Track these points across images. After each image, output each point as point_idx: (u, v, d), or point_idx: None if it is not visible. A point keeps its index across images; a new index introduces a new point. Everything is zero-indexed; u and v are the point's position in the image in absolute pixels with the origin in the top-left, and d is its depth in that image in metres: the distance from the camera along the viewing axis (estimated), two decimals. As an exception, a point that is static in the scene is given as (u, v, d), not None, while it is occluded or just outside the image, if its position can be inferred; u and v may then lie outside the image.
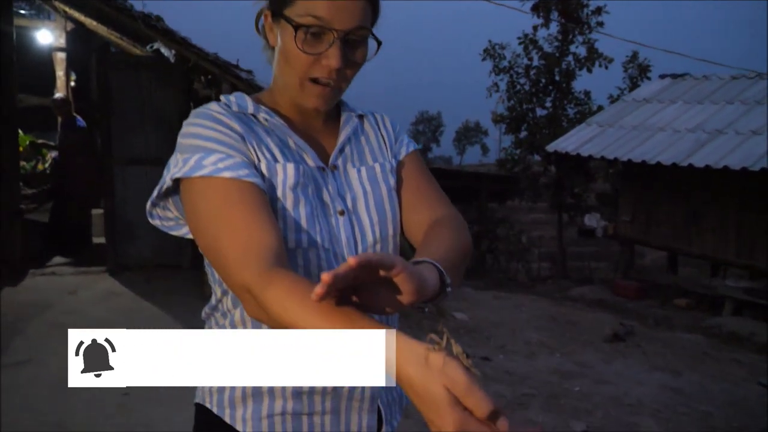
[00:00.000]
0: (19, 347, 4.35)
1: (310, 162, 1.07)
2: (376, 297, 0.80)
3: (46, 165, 7.54)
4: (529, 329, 6.10)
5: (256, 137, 1.04)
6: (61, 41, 8.00)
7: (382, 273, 0.76)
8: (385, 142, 1.20)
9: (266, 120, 1.07)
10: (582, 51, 11.99)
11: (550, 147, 10.11)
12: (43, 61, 8.18)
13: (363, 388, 1.06)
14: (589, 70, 12.12)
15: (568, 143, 9.86)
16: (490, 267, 12.06)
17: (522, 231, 12.41)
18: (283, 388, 1.04)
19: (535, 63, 12.35)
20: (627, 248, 9.94)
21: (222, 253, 0.91)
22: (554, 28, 11.92)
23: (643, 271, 10.67)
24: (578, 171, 11.88)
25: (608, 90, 13.23)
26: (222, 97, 1.10)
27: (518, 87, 12.58)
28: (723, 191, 8.22)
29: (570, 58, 12.03)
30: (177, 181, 1.01)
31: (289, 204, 1.01)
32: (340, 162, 1.12)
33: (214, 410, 1.08)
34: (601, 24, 11.57)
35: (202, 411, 1.11)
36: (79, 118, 6.71)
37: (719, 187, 8.21)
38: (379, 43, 1.05)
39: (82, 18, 7.08)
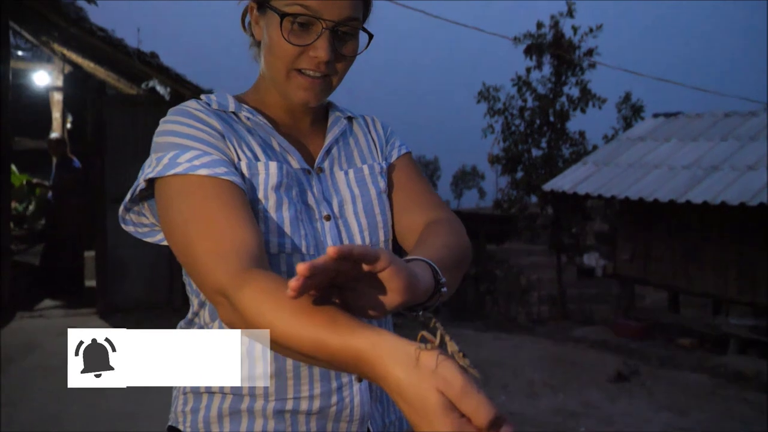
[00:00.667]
0: (2, 388, 4.20)
1: (295, 164, 1.01)
2: (359, 298, 0.72)
3: (36, 206, 7.47)
4: (531, 369, 5.94)
5: (237, 135, 0.97)
6: (59, 83, 8.05)
7: (366, 268, 0.68)
8: (375, 144, 1.14)
9: (248, 119, 1.01)
10: (575, 92, 12.15)
11: (546, 186, 10.10)
12: (40, 104, 8.22)
13: (352, 408, 0.97)
14: (583, 111, 12.25)
15: (564, 182, 9.86)
16: (489, 309, 11.90)
17: (521, 272, 12.31)
18: (264, 407, 0.95)
19: (530, 104, 12.49)
20: (627, 287, 9.83)
21: (196, 255, 0.84)
22: (547, 70, 12.11)
23: (645, 310, 10.53)
24: (575, 211, 11.86)
25: (603, 130, 13.38)
26: (202, 96, 1.04)
27: (513, 128, 12.69)
28: (722, 227, 8.17)
29: (564, 99, 12.18)
30: (152, 184, 0.94)
31: (271, 205, 0.94)
32: (326, 165, 1.05)
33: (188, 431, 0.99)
34: (593, 65, 11.77)
35: None
36: (74, 158, 6.69)
37: (718, 224, 8.16)
38: (371, 37, 1.00)
39: (79, 60, 7.14)
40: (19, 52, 7.64)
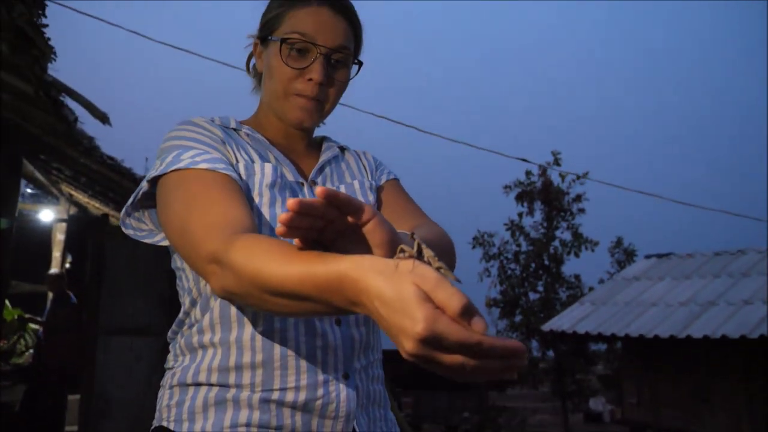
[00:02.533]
0: None
1: (289, 176, 1.08)
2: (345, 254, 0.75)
3: (25, 343, 7.36)
4: None
5: (236, 143, 1.07)
6: (62, 223, 8.29)
7: (350, 219, 0.74)
8: (365, 169, 1.23)
9: (248, 135, 1.11)
10: (568, 236, 12.49)
11: (546, 326, 10.06)
12: (41, 245, 8.39)
13: (338, 404, 0.98)
14: (577, 255, 12.50)
15: (562, 322, 9.82)
16: (494, 462, 11.21)
17: (525, 419, 11.79)
18: (250, 397, 0.96)
19: (524, 248, 12.77)
20: (638, 433, 9.40)
21: (190, 231, 0.87)
22: (539, 215, 12.55)
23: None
24: (577, 355, 11.66)
25: (598, 274, 13.58)
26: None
27: (509, 272, 12.85)
28: (727, 365, 8.04)
29: (557, 243, 12.48)
30: (154, 194, 1.00)
31: (265, 202, 1.00)
32: (319, 179, 1.13)
33: (171, 426, 0.99)
34: (582, 211, 12.22)
35: None
36: (71, 294, 6.70)
37: (723, 361, 8.04)
38: (360, 65, 1.13)
39: (85, 199, 7.45)
40: (28, 189, 7.98)
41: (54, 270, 7.03)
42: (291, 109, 1.08)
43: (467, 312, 0.60)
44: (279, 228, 0.68)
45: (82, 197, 7.47)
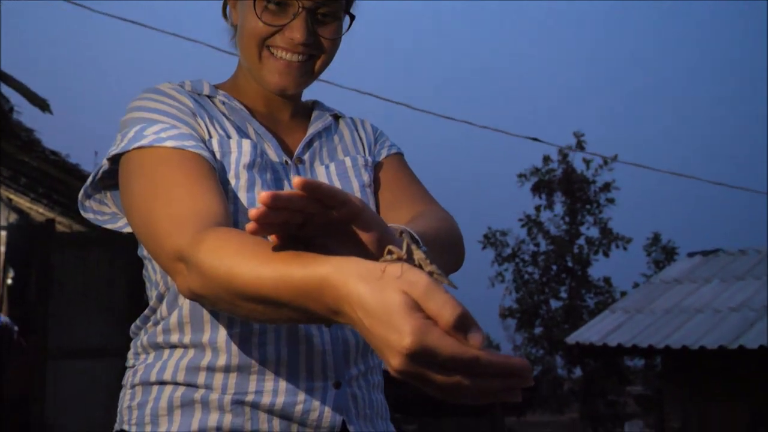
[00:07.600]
0: None
1: (272, 154, 1.07)
2: (329, 254, 0.74)
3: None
4: None
5: (209, 114, 1.05)
6: (1, 234, 8.26)
7: (336, 214, 0.73)
8: (362, 142, 1.21)
9: (224, 104, 1.09)
10: (595, 232, 12.49)
11: (571, 339, 10.08)
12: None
13: (321, 412, 0.99)
14: (606, 254, 12.51)
15: (590, 333, 9.84)
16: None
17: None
18: (221, 398, 0.97)
19: (543, 248, 12.78)
20: (682, 463, 9.41)
21: (154, 222, 0.90)
22: (559, 208, 12.54)
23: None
24: (609, 372, 11.67)
25: (632, 277, 13.57)
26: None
27: (526, 276, 12.86)
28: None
29: (582, 240, 12.48)
30: (116, 172, 1.00)
31: (242, 185, 1.00)
32: (306, 157, 1.12)
33: (133, 430, 1.01)
34: (611, 201, 12.22)
35: None
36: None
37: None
38: (352, 18, 1.10)
39: (26, 204, 7.43)
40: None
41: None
42: (269, 74, 1.06)
43: (462, 323, 0.60)
44: (249, 225, 0.67)
45: (23, 201, 7.48)
